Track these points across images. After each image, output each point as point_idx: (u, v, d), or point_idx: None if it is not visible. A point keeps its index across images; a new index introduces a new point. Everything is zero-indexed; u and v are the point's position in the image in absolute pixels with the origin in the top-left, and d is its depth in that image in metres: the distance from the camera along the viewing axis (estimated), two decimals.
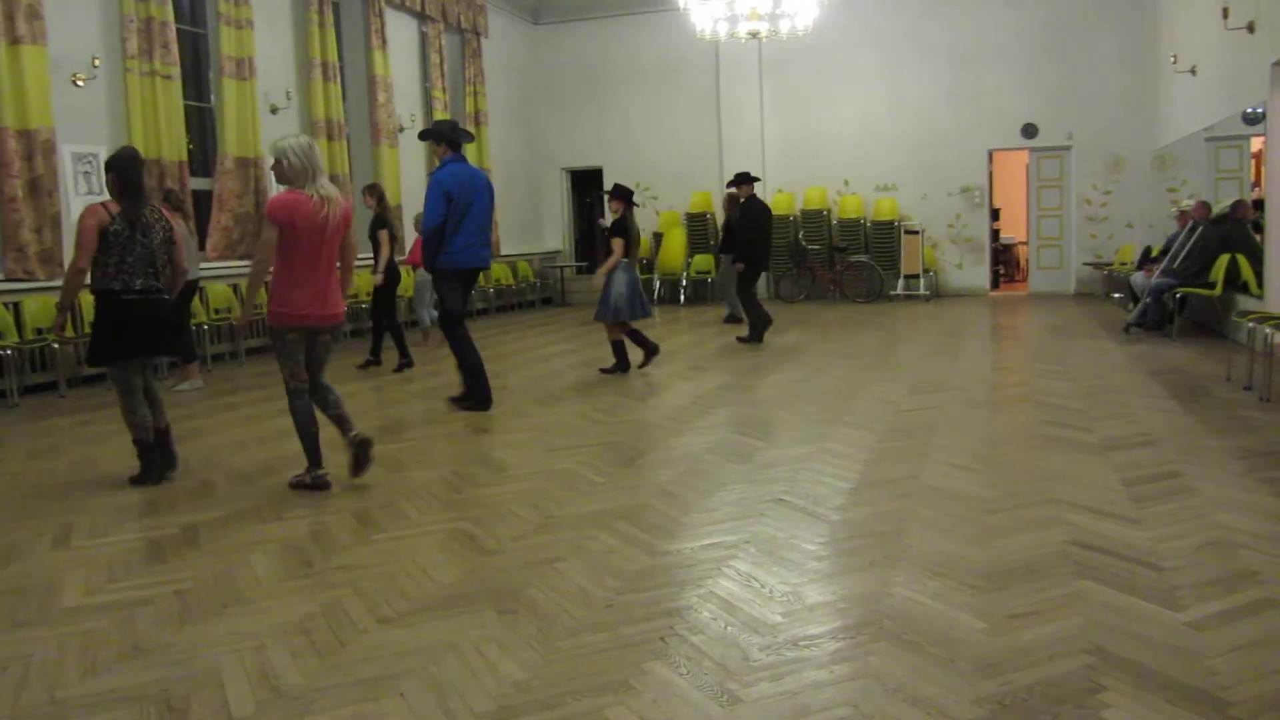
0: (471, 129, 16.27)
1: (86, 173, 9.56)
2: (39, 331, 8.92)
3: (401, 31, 14.80)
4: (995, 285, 17.44)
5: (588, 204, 19.44)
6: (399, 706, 2.80)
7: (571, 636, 3.24)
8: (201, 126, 11.93)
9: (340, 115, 13.12)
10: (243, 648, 3.24)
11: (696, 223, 17.59)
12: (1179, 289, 10.44)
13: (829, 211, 17.18)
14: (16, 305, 8.86)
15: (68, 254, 8.77)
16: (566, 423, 6.98)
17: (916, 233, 16.17)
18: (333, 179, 12.88)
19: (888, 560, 3.87)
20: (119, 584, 3.92)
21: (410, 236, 12.10)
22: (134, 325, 5.38)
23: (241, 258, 11.30)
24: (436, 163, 7.37)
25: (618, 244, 8.81)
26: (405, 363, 9.70)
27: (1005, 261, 19.25)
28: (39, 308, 8.96)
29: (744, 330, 11.34)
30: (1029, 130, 16.20)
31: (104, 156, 5.53)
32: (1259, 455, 5.36)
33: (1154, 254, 12.06)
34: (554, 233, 19.11)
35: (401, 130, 14.36)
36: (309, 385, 5.31)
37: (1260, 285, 9.51)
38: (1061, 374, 8.36)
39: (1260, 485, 4.80)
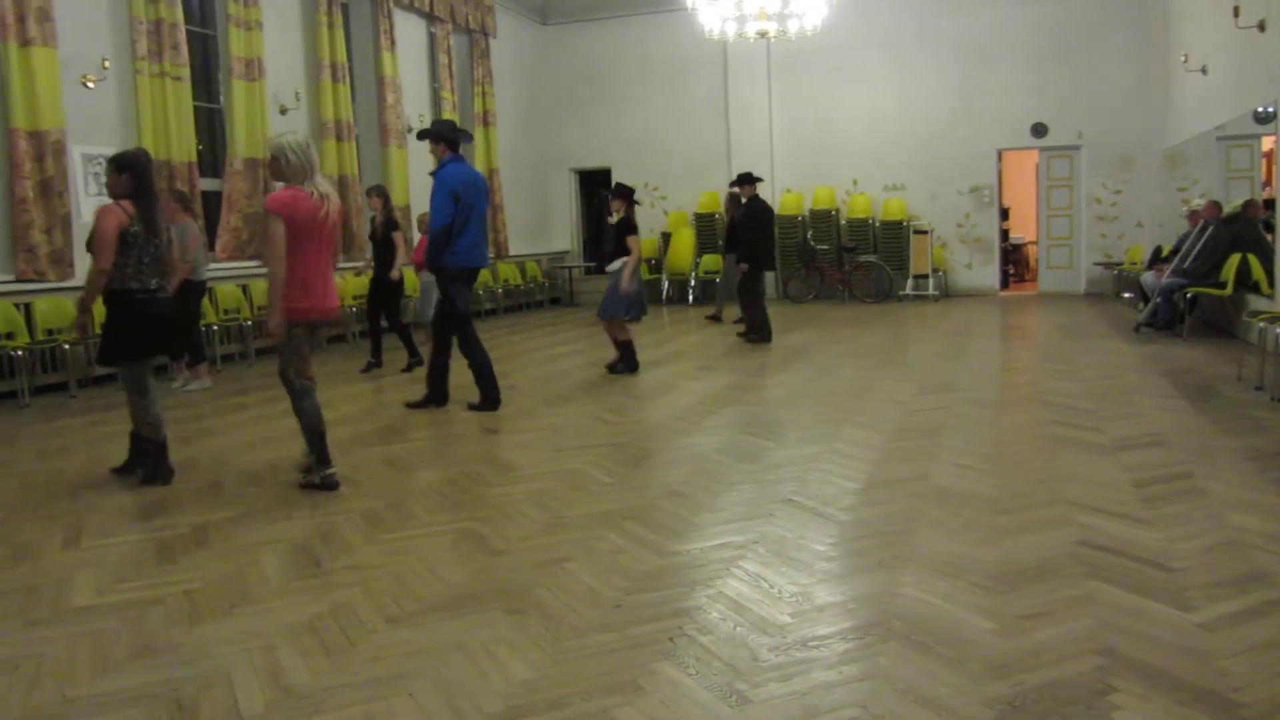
0: (480, 129, 16.31)
1: (96, 174, 9.58)
2: (50, 332, 8.96)
3: (410, 32, 14.82)
4: (1005, 285, 17.39)
5: (596, 204, 19.45)
6: (408, 706, 2.80)
7: (580, 637, 3.24)
8: (211, 127, 11.96)
9: (349, 116, 13.14)
10: (252, 647, 3.25)
11: (705, 223, 17.57)
12: (1190, 289, 10.40)
13: (837, 211, 17.15)
14: (27, 306, 8.90)
15: (78, 255, 8.85)
16: (575, 423, 6.98)
17: (925, 232, 16.14)
18: (341, 180, 12.97)
19: (897, 561, 3.86)
20: (129, 584, 3.94)
21: (413, 237, 12.14)
22: (149, 324, 5.45)
23: (251, 258, 11.34)
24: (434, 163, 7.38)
25: (635, 241, 8.85)
26: (415, 361, 9.72)
27: (1015, 261, 19.18)
28: (50, 308, 9.00)
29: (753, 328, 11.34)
30: (1038, 129, 16.15)
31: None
32: (1270, 456, 5.33)
33: (1164, 254, 12.01)
34: (562, 233, 19.12)
35: (410, 131, 14.39)
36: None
37: (1271, 285, 9.46)
38: (1071, 374, 8.33)
39: (1271, 486, 4.77)
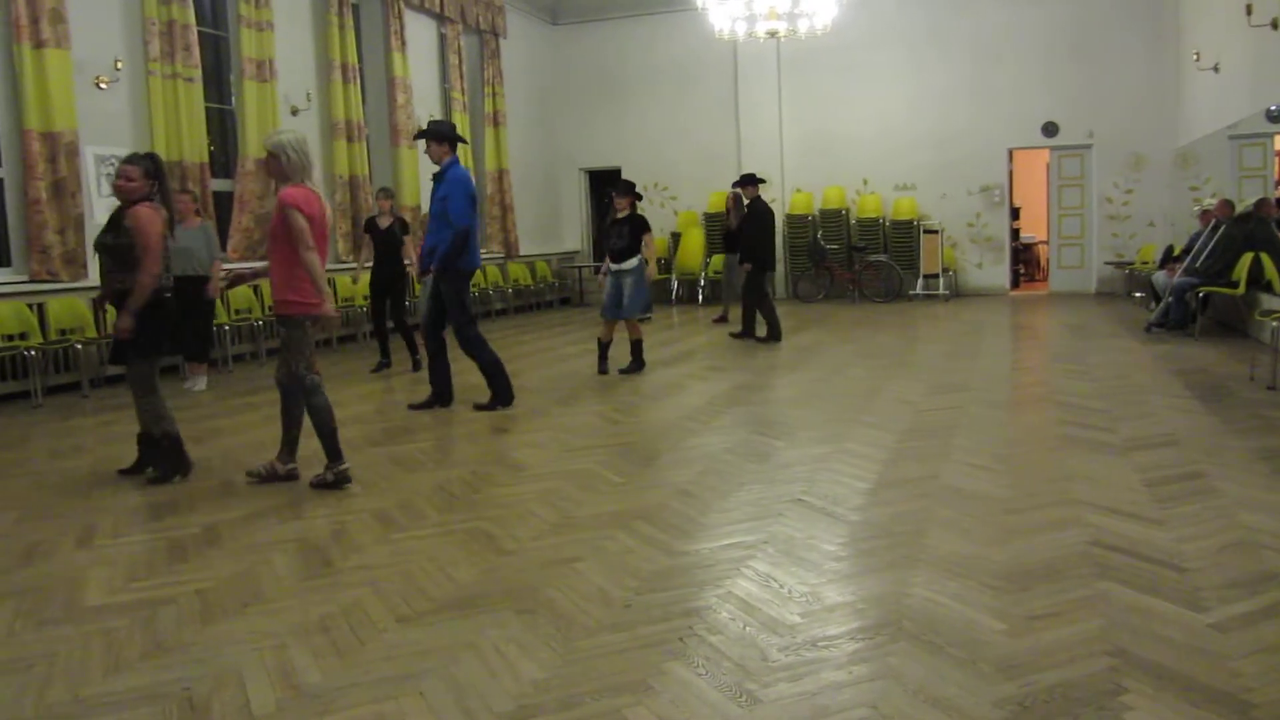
0: (490, 129, 16.35)
1: (109, 174, 9.62)
2: (63, 332, 9.00)
3: (421, 33, 14.85)
4: (1015, 285, 17.35)
5: (606, 203, 19.45)
6: (418, 706, 2.81)
7: (590, 636, 3.24)
8: (223, 128, 12.01)
9: (360, 117, 13.18)
10: (263, 646, 3.26)
11: (714, 223, 17.55)
12: (1201, 288, 10.35)
13: (848, 211, 17.13)
14: (40, 306, 8.94)
15: (90, 256, 8.88)
16: (584, 423, 6.99)
17: (936, 232, 16.10)
18: (352, 180, 13.01)
19: (907, 561, 3.86)
20: (141, 583, 3.95)
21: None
22: (167, 322, 5.54)
23: (263, 258, 11.36)
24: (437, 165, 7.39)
25: (650, 238, 8.96)
26: (418, 360, 9.77)
27: (1025, 261, 19.13)
28: (62, 309, 9.05)
29: (761, 330, 11.36)
30: (1049, 129, 16.10)
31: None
32: None
33: (1176, 253, 11.96)
34: (572, 233, 19.13)
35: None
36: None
37: None
38: (1083, 374, 8.31)
39: None
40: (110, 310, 5.67)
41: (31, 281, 9.02)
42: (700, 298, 17.14)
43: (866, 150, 17.00)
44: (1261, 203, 10.43)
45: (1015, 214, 17.51)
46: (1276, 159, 11.71)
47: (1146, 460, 5.31)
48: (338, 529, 4.59)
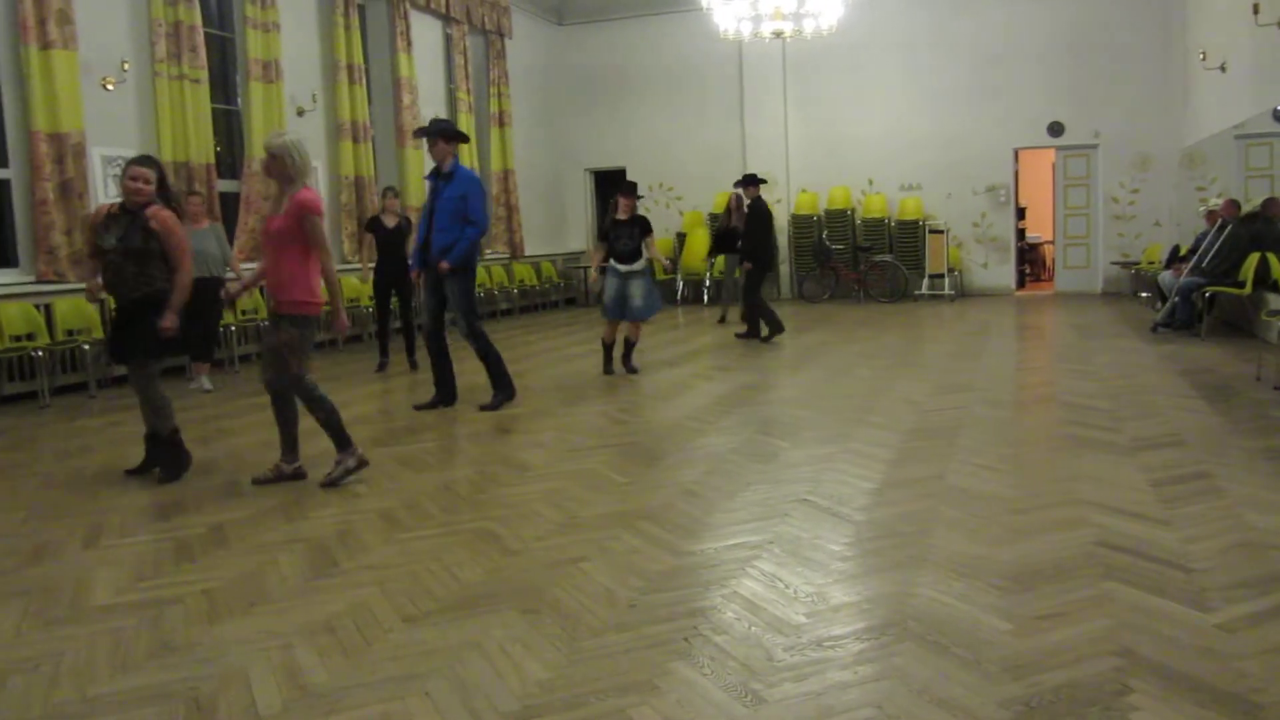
0: (495, 130, 16.38)
1: (116, 175, 9.65)
2: (70, 333, 9.03)
3: (426, 34, 14.86)
4: (1021, 285, 17.32)
5: (612, 205, 19.44)
6: (424, 705, 2.81)
7: (595, 636, 3.25)
8: (229, 129, 12.04)
9: (365, 117, 13.20)
10: (270, 646, 3.27)
11: (718, 223, 17.55)
12: (1208, 288, 10.33)
13: (853, 211, 17.11)
14: (48, 307, 8.97)
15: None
16: (589, 423, 6.99)
17: (941, 232, 16.08)
18: (358, 180, 13.03)
19: (912, 561, 3.85)
20: (148, 583, 3.96)
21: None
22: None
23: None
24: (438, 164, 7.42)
25: (652, 239, 9.07)
26: (414, 362, 9.83)
27: (1031, 261, 19.11)
28: (70, 309, 9.07)
29: (764, 330, 11.38)
30: (1055, 129, 16.07)
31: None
32: None
33: (1182, 253, 11.94)
34: (577, 233, 19.13)
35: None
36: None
37: None
38: (1088, 374, 8.29)
39: None
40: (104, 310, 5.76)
41: (39, 282, 9.04)
42: (705, 298, 17.14)
43: (872, 150, 16.99)
44: (1269, 202, 10.41)
45: (1021, 214, 17.47)
46: None
47: (1152, 460, 5.30)
48: (343, 529, 4.59)
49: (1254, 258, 9.87)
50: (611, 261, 8.94)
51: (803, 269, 17.22)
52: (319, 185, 12.49)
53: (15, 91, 9.03)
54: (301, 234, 5.24)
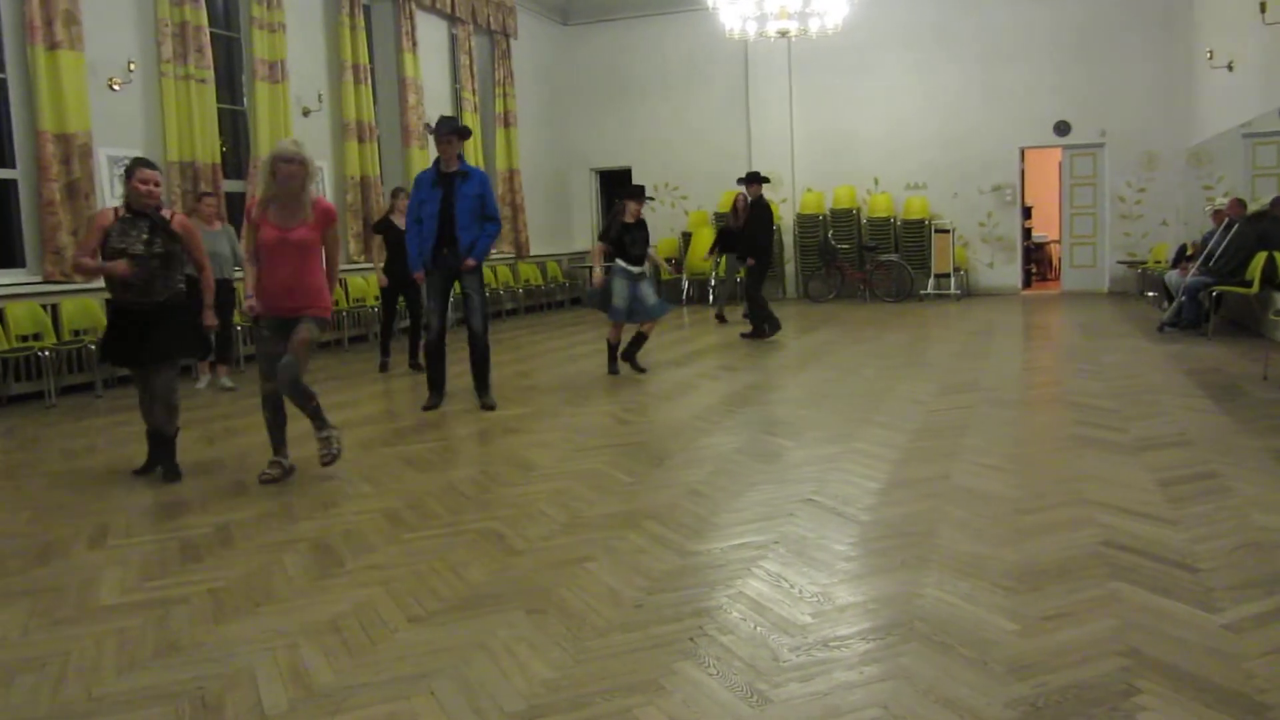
0: (500, 130, 16.39)
1: (122, 176, 9.67)
2: (76, 333, 9.05)
3: (431, 34, 14.88)
4: (1027, 284, 17.29)
5: (619, 207, 19.44)
6: (430, 705, 2.81)
7: (601, 636, 3.24)
8: (235, 129, 12.05)
9: (371, 117, 13.21)
10: (276, 646, 3.27)
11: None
12: (1215, 287, 10.30)
13: (858, 210, 17.10)
14: (54, 307, 8.99)
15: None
16: (595, 423, 6.99)
17: (947, 231, 16.06)
18: (363, 181, 13.05)
19: (918, 561, 3.85)
20: (154, 582, 3.97)
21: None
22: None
23: None
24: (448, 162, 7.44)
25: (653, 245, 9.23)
26: (415, 364, 9.84)
27: (1037, 260, 19.08)
28: (76, 310, 9.09)
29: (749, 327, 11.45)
30: (1061, 127, 16.04)
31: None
32: None
33: (1189, 252, 11.91)
34: (582, 233, 19.13)
35: (429, 130, 14.42)
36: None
37: None
38: (1094, 373, 8.27)
39: None
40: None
41: (45, 282, 9.07)
42: (711, 297, 17.12)
43: (877, 149, 16.97)
44: (1276, 201, 10.38)
45: (1027, 213, 17.44)
46: None
47: (1159, 460, 5.29)
48: (349, 529, 4.60)
49: (1261, 257, 9.84)
50: (620, 264, 8.93)
51: (808, 268, 17.20)
52: (324, 186, 12.52)
53: (22, 92, 9.05)
54: (321, 240, 5.42)
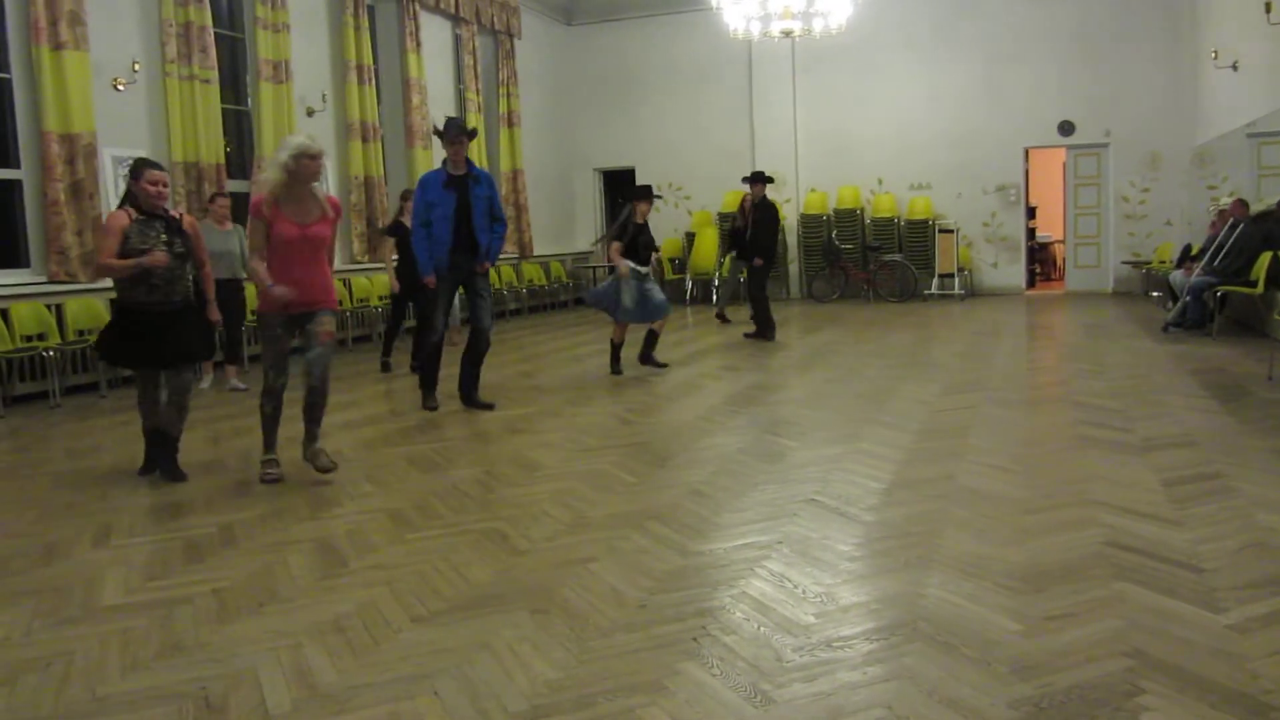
0: (504, 130, 16.41)
1: (125, 176, 9.69)
2: (81, 333, 9.06)
3: (435, 34, 14.89)
4: (1031, 284, 17.28)
5: (622, 204, 19.45)
6: (433, 705, 2.81)
7: (604, 636, 3.24)
8: (239, 129, 12.07)
9: (375, 118, 13.22)
10: (279, 646, 3.27)
11: (729, 223, 17.49)
12: (1220, 287, 10.29)
13: (862, 210, 17.10)
14: (59, 307, 9.00)
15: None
16: (598, 423, 6.99)
17: (951, 231, 16.05)
18: (367, 181, 13.06)
19: (922, 561, 3.84)
20: (158, 582, 3.97)
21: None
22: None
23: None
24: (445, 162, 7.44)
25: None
26: (416, 365, 9.83)
27: (1041, 260, 19.06)
28: (80, 309, 9.11)
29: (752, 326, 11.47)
30: (1065, 128, 16.03)
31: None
32: None
33: (1194, 252, 11.89)
34: (586, 233, 19.13)
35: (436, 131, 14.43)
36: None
37: None
38: (1099, 373, 8.26)
39: None
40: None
41: (50, 283, 9.08)
42: (715, 298, 17.10)
43: (881, 150, 16.96)
44: None
45: (1031, 213, 17.43)
46: None
47: (1163, 460, 5.28)
48: (352, 529, 4.60)
49: (1266, 257, 9.82)
50: (629, 264, 8.93)
51: (812, 269, 17.19)
52: (329, 185, 12.52)
53: (27, 92, 9.07)
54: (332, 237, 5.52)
